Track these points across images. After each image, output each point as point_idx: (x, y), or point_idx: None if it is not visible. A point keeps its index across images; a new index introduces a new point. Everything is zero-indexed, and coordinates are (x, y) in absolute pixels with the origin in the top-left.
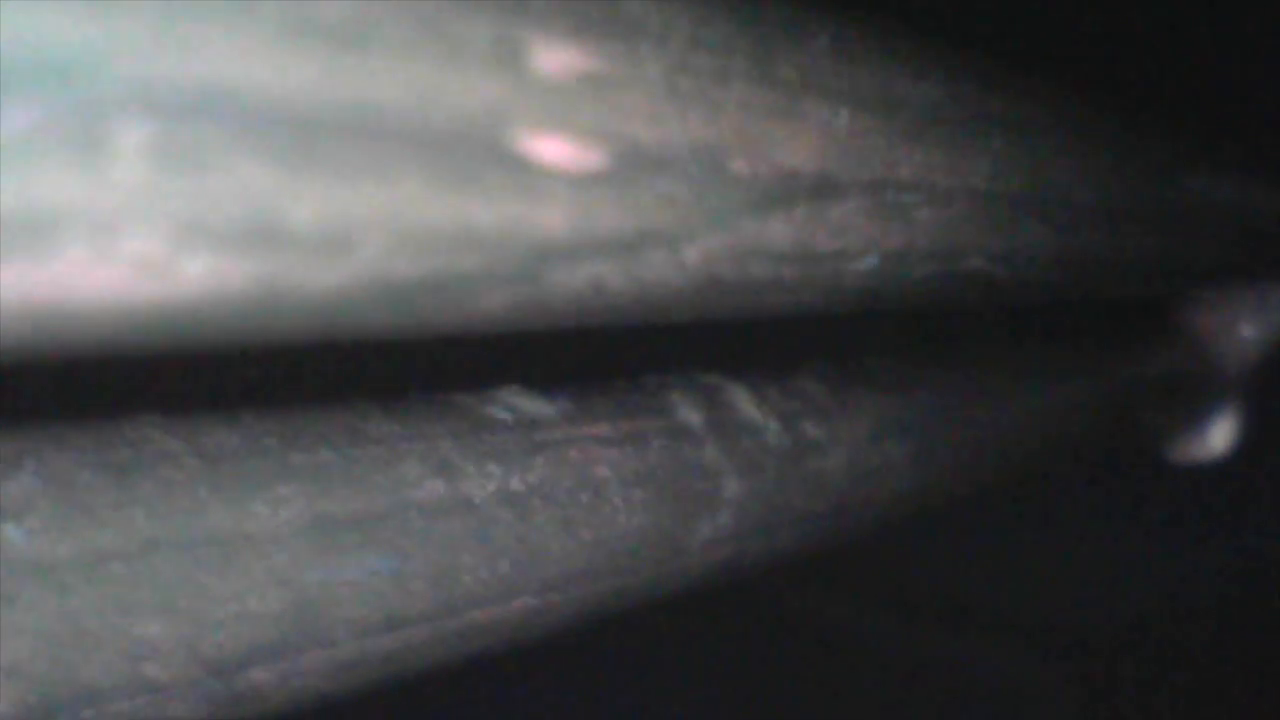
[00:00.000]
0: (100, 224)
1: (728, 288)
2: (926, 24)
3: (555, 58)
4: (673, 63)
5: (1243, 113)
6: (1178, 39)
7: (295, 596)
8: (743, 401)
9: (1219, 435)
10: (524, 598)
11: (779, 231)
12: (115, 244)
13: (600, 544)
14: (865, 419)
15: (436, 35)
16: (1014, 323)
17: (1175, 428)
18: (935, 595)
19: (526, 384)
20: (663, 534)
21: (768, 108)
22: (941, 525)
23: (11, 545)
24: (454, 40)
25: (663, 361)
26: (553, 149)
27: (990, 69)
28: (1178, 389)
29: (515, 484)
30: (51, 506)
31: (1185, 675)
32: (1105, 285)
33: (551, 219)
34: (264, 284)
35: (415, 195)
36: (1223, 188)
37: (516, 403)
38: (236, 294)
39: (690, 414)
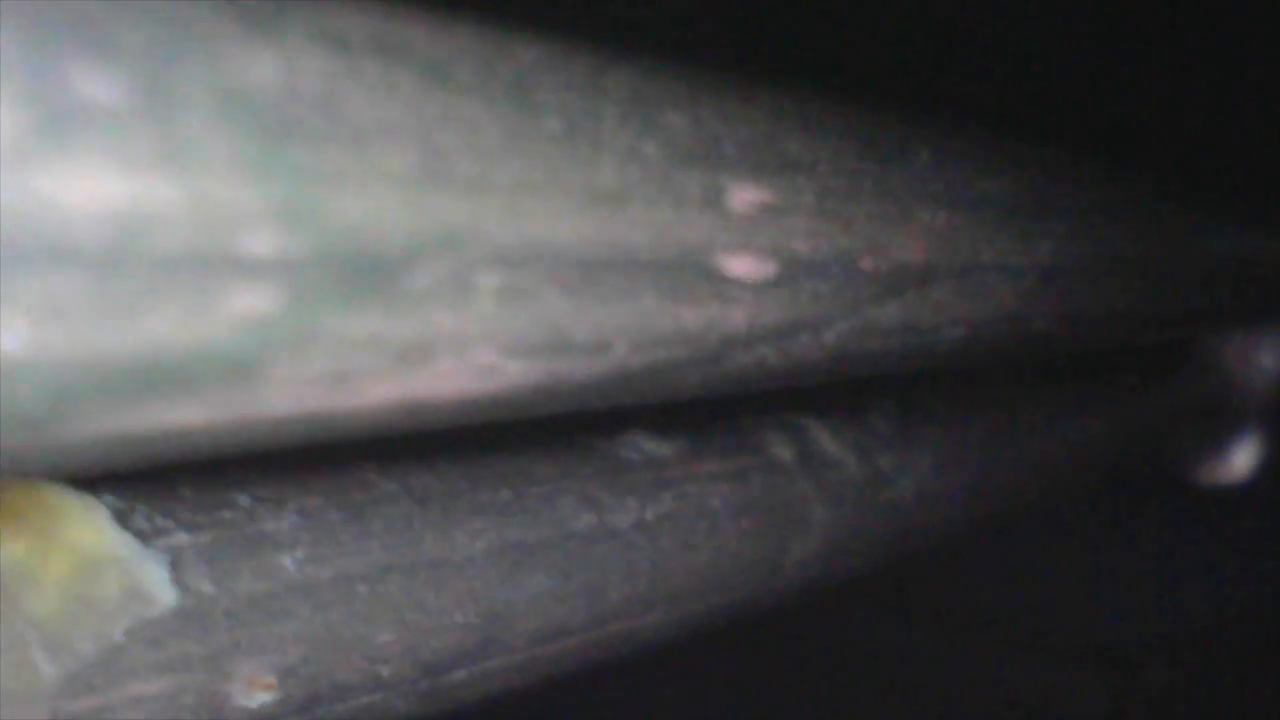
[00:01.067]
0: (463, 343)
1: (851, 360)
2: (998, 127)
3: (744, 195)
4: (820, 188)
5: (1254, 176)
6: (1191, 119)
7: (486, 610)
8: (825, 439)
9: (1242, 460)
10: (656, 612)
11: (893, 313)
12: (470, 356)
13: (715, 565)
14: (928, 452)
15: (668, 188)
16: (1055, 363)
17: (1201, 454)
18: (974, 612)
19: (649, 429)
20: (763, 556)
21: (886, 215)
22: (982, 547)
23: (285, 571)
24: (679, 190)
25: (758, 405)
26: (741, 265)
27: (1046, 160)
28: (1203, 418)
29: (648, 515)
30: (311, 539)
31: (1214, 689)
32: (1142, 333)
33: (736, 317)
34: (552, 377)
35: (650, 308)
36: (1239, 242)
37: (644, 445)
38: (533, 386)
39: (783, 451)
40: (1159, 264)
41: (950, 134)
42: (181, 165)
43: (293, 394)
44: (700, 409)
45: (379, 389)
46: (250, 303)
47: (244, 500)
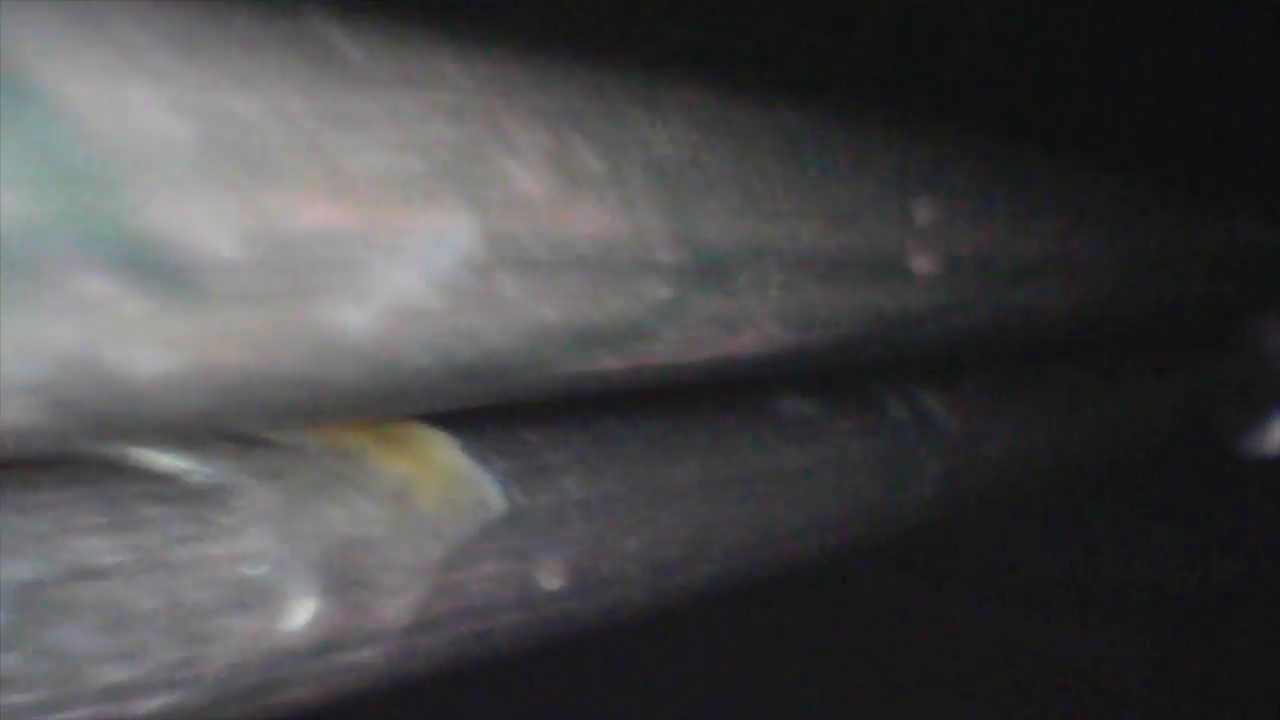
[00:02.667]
0: (760, 319)
1: (983, 334)
2: (1088, 153)
3: (925, 210)
4: (970, 205)
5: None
6: (1233, 128)
7: (695, 527)
8: (934, 403)
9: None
10: (812, 539)
11: (1015, 298)
12: (763, 328)
13: (854, 503)
14: (1014, 417)
15: (876, 209)
16: (1113, 342)
17: (1243, 427)
18: (1018, 576)
19: (801, 393)
20: (889, 500)
21: (1012, 222)
22: (1031, 512)
23: (568, 491)
24: (883, 210)
25: (881, 375)
26: (921, 264)
27: (1124, 174)
28: (1245, 394)
29: (807, 460)
30: (583, 469)
31: (1251, 650)
32: (1194, 314)
33: (916, 301)
34: (803, 344)
35: (862, 294)
36: (1270, 234)
37: (799, 406)
38: (796, 349)
39: (901, 413)
40: (1208, 255)
41: (1052, 159)
42: (629, 213)
43: (667, 351)
44: (837, 378)
45: (710, 349)
46: (656, 294)
47: (535, 438)
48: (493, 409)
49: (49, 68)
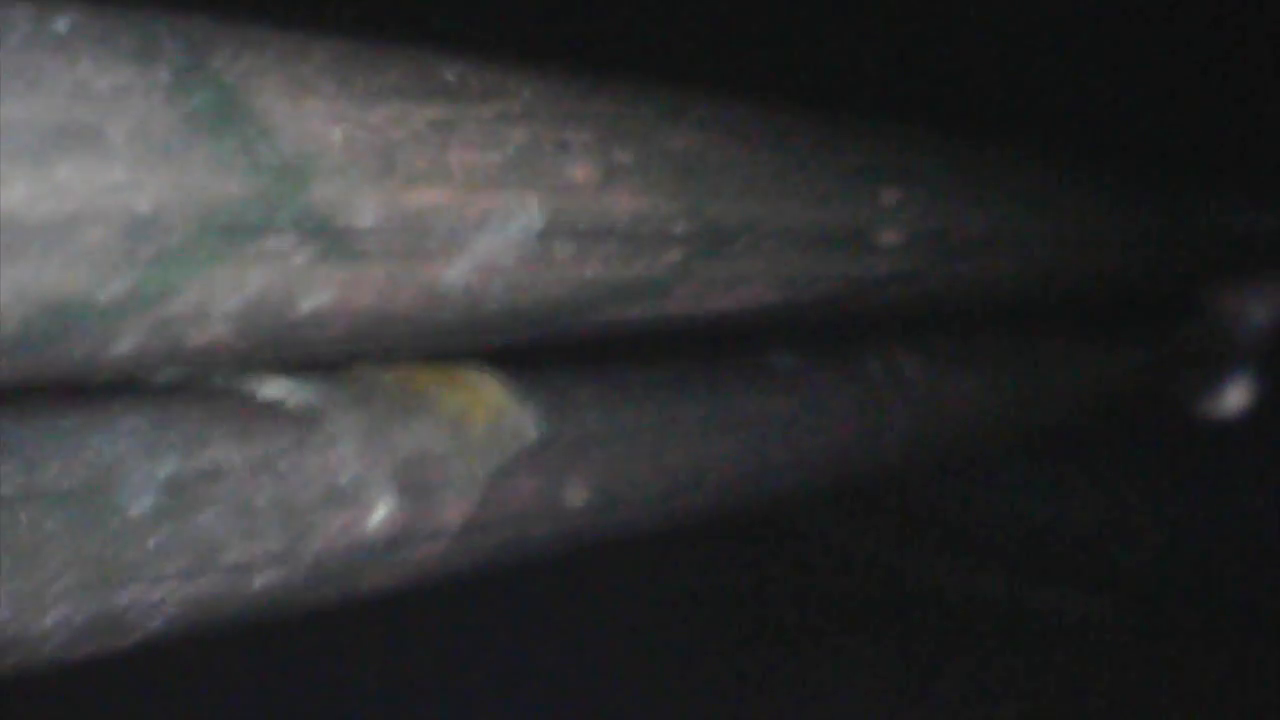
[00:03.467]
0: (753, 279)
1: (939, 298)
2: (1036, 142)
3: (890, 193)
4: (929, 191)
5: (1243, 153)
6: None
7: (696, 458)
8: (905, 360)
9: (1236, 397)
10: (796, 475)
11: (964, 269)
12: (756, 286)
13: (830, 447)
14: (976, 375)
15: (852, 192)
16: (1075, 308)
17: (1201, 391)
18: (990, 536)
19: (787, 347)
20: (864, 444)
21: (965, 205)
22: (998, 474)
23: (591, 422)
24: (856, 192)
25: (857, 333)
26: (887, 237)
27: (1065, 160)
28: (1202, 360)
29: (791, 406)
30: (604, 404)
31: (1216, 605)
32: (1154, 285)
33: (881, 268)
34: (791, 299)
35: (838, 262)
36: (1235, 214)
37: (785, 359)
38: (783, 303)
39: (875, 368)
40: (1159, 229)
41: (1002, 145)
42: (651, 195)
43: (678, 304)
44: (820, 336)
45: (713, 304)
46: (671, 258)
47: (564, 380)
48: (530, 355)
49: (256, 91)
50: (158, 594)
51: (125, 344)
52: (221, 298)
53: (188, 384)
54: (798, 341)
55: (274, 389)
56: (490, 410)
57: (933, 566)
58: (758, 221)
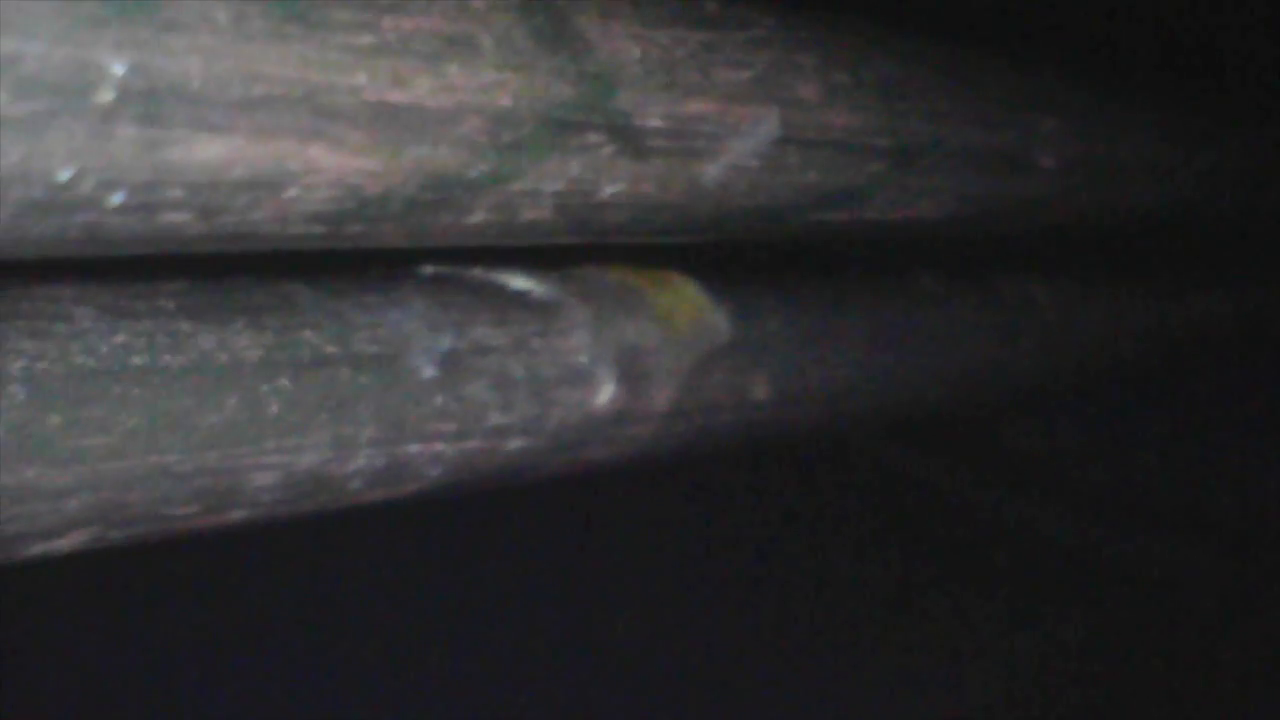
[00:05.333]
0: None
1: (1080, 216)
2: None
3: (1048, 122)
4: (1088, 118)
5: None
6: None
7: (859, 366)
8: (1037, 288)
9: None
10: (934, 388)
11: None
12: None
13: (969, 363)
14: (1103, 305)
15: (1015, 121)
16: (1201, 243)
17: None
18: (1086, 484)
19: (932, 268)
20: (997, 364)
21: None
22: (1094, 424)
23: (771, 329)
24: (1014, 122)
25: (996, 262)
26: (1045, 160)
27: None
28: None
29: (936, 325)
30: (790, 311)
31: None
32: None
33: (1038, 188)
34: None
35: (1002, 181)
36: None
37: (929, 282)
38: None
39: (1010, 293)
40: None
41: (1151, 80)
42: (863, 112)
43: (876, 210)
44: (965, 264)
45: (902, 211)
46: (874, 169)
47: (752, 287)
48: (726, 263)
49: (579, 13)
50: (437, 448)
51: (478, 216)
52: (550, 181)
53: (454, 275)
54: (946, 269)
55: (522, 281)
56: (692, 309)
57: (1017, 509)
58: (942, 140)
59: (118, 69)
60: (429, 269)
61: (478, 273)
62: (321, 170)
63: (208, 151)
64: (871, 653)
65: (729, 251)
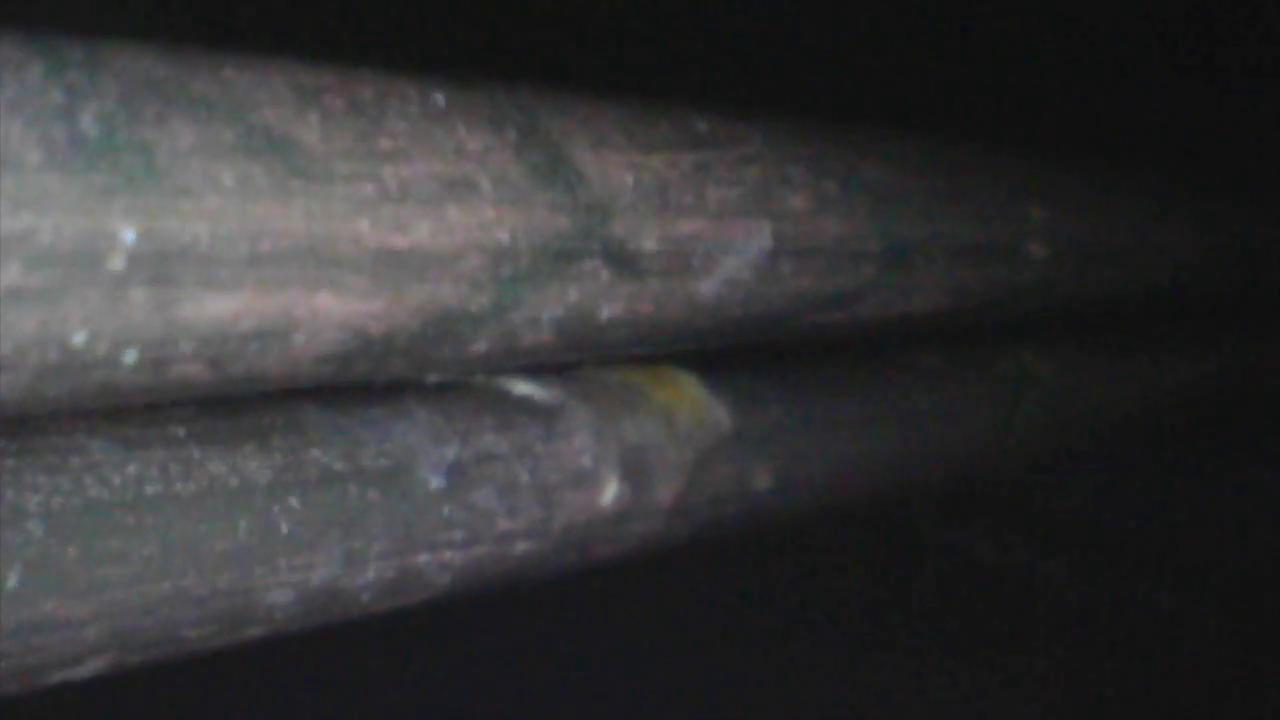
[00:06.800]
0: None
1: (1072, 300)
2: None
3: (1038, 211)
4: (1080, 205)
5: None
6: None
7: (860, 450)
8: (1036, 362)
9: None
10: (934, 468)
11: (1103, 279)
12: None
13: (970, 440)
14: (1101, 377)
15: (1005, 213)
16: (1188, 313)
17: None
18: (1097, 535)
19: (931, 350)
20: (998, 440)
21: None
22: (1105, 478)
23: (766, 417)
24: (1005, 214)
25: (994, 339)
26: (1036, 249)
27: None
28: None
29: (936, 404)
30: (758, 402)
31: None
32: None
33: (1030, 276)
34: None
35: (994, 271)
36: None
37: (929, 361)
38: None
39: (1009, 369)
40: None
41: (1135, 173)
42: (852, 220)
43: (868, 311)
44: (961, 341)
45: (896, 309)
46: (866, 272)
47: (750, 379)
48: (724, 359)
49: (572, 146)
50: (446, 556)
51: (480, 346)
52: (550, 308)
53: (457, 383)
54: (944, 346)
55: (524, 387)
56: (693, 405)
57: (1039, 565)
58: (933, 239)
59: (128, 236)
60: (433, 378)
61: (480, 380)
62: (327, 316)
63: (217, 307)
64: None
65: (730, 346)
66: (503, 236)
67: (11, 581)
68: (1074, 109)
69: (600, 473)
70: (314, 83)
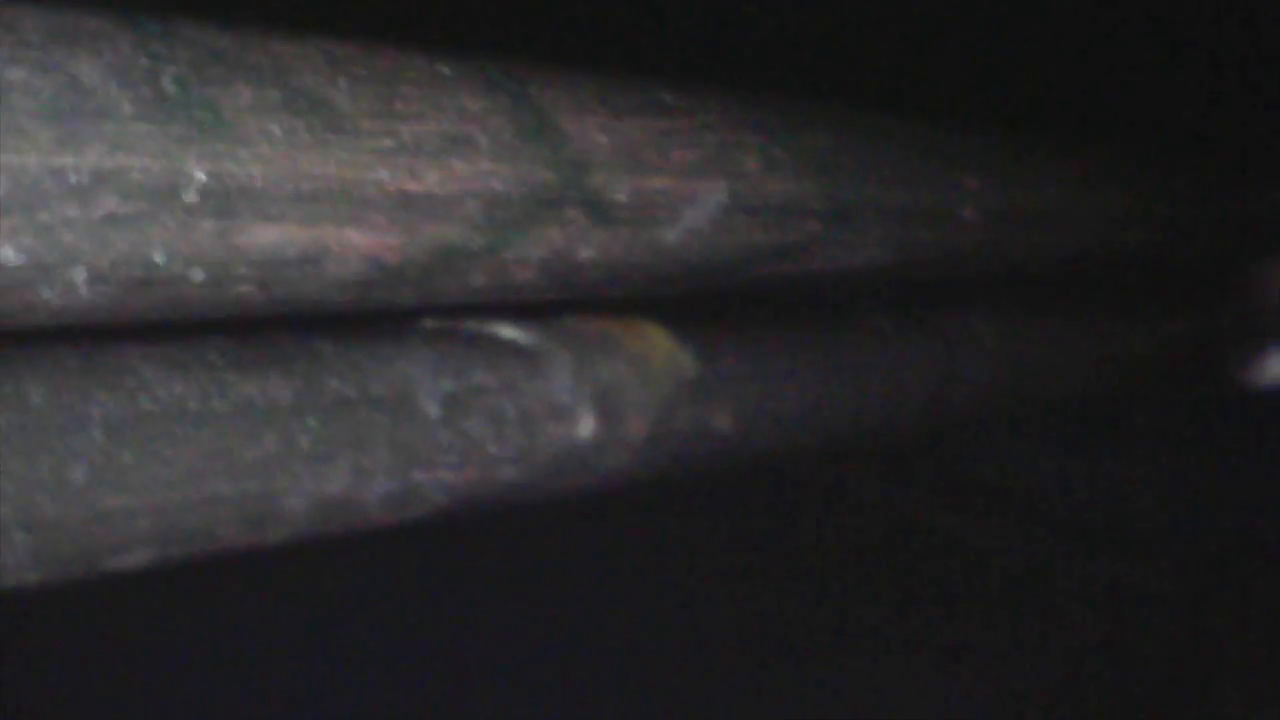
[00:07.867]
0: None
1: (1005, 263)
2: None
3: (970, 179)
4: (1010, 174)
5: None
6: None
7: (810, 399)
8: (980, 325)
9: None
10: (881, 420)
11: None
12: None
13: (916, 394)
14: (1038, 338)
15: (940, 180)
16: (1125, 282)
17: (1244, 363)
18: (1040, 506)
19: (880, 311)
20: (941, 394)
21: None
22: (1048, 449)
23: (725, 363)
24: (940, 181)
25: (940, 301)
26: (969, 214)
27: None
28: (1246, 333)
29: (884, 360)
30: (718, 351)
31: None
32: (1197, 260)
33: (965, 240)
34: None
35: (929, 232)
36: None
37: (878, 321)
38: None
39: (952, 326)
40: (1208, 211)
41: (1057, 139)
42: (799, 181)
43: (814, 263)
44: (909, 304)
45: (839, 262)
46: (811, 228)
47: (713, 330)
48: (690, 312)
49: (557, 111)
50: (442, 476)
51: (477, 279)
52: (536, 249)
53: (453, 328)
54: (892, 308)
55: (510, 332)
56: (661, 352)
57: (976, 530)
58: (872, 201)
59: (200, 175)
60: (431, 323)
61: (473, 325)
62: (353, 247)
63: (267, 236)
64: (842, 669)
65: (695, 301)
66: (497, 186)
67: (79, 478)
68: (1012, 84)
69: (577, 408)
70: (343, 53)
